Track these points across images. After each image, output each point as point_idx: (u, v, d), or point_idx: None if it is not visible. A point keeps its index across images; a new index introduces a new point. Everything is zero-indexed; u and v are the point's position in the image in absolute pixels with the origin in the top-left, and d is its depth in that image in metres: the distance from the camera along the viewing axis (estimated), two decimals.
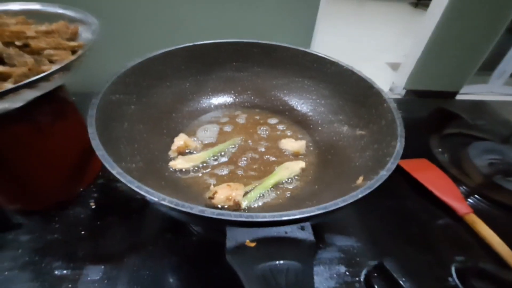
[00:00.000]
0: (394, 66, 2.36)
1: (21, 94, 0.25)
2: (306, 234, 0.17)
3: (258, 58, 0.42)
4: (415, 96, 2.05)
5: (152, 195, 0.18)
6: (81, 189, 0.38)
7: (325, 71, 0.39)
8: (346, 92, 0.37)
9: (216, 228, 0.27)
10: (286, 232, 0.16)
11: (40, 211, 0.36)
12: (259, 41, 0.41)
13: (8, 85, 0.27)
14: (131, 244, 0.32)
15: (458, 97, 2.15)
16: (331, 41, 2.65)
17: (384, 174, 0.21)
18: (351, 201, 0.18)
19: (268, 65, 0.42)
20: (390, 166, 0.22)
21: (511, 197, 0.41)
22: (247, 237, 0.17)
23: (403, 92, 2.07)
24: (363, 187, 0.20)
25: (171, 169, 0.32)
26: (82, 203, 0.37)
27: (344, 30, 2.98)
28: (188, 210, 0.17)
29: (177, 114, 0.39)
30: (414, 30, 2.03)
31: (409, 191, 0.42)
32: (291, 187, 0.32)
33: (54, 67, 0.29)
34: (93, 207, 0.36)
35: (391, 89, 2.14)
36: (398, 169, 0.46)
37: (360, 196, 0.19)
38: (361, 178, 0.26)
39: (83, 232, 0.34)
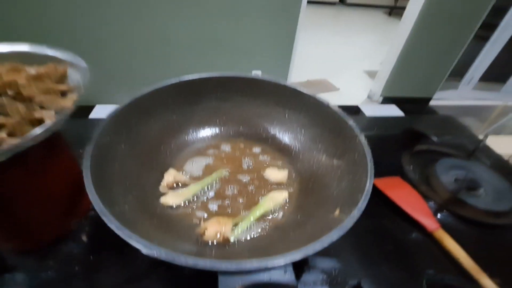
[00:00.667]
0: (372, 74, 2.47)
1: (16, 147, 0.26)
2: (288, 276, 0.20)
3: (241, 89, 0.44)
4: (391, 103, 2.16)
5: (149, 249, 0.20)
6: (74, 224, 0.39)
7: (304, 102, 0.42)
8: (323, 122, 0.40)
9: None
10: (270, 278, 0.19)
11: (33, 250, 0.36)
12: (242, 75, 0.43)
13: (3, 134, 0.28)
14: (125, 278, 0.33)
15: (432, 102, 2.27)
16: (311, 50, 2.73)
17: (355, 214, 0.24)
18: (327, 243, 0.21)
19: (251, 95, 0.45)
20: (361, 205, 0.25)
21: (474, 212, 0.45)
22: (237, 283, 0.19)
23: (381, 99, 2.16)
24: (337, 227, 0.23)
25: (162, 205, 0.34)
26: (75, 238, 0.37)
27: (323, 39, 3.08)
28: (183, 263, 0.19)
29: (165, 147, 0.40)
30: (389, 39, 2.14)
31: (384, 209, 0.46)
32: (275, 217, 0.34)
33: (46, 114, 0.31)
34: (86, 241, 0.37)
35: (369, 97, 2.23)
36: (373, 187, 0.49)
37: (335, 238, 0.22)
38: (337, 210, 0.29)
39: (76, 268, 0.34)
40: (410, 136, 0.63)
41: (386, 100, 2.18)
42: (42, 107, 0.31)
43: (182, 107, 0.43)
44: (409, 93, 2.20)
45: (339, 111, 0.37)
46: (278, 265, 0.19)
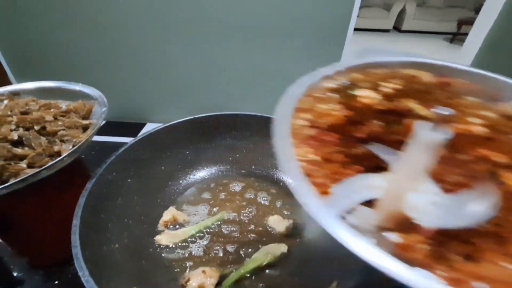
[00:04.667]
0: None
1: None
2: None
3: (257, 127, 0.43)
4: None
5: None
6: None
7: None
8: None
9: None
10: None
11: (44, 266, 0.39)
12: (257, 114, 0.42)
13: (23, 165, 0.31)
14: None
15: None
16: None
17: None
18: None
19: (266, 134, 0.43)
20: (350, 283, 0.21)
21: None
22: None
23: None
24: None
25: (155, 244, 0.33)
26: None
27: None
28: None
29: (174, 182, 0.41)
30: None
31: None
32: (270, 274, 0.31)
33: (64, 147, 0.33)
34: None
35: None
36: None
37: None
38: (334, 284, 0.25)
39: None
40: None
41: None
42: (62, 141, 0.34)
43: (196, 144, 0.43)
44: None
45: None
46: None
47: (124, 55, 0.88)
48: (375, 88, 0.21)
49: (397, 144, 0.19)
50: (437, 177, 0.18)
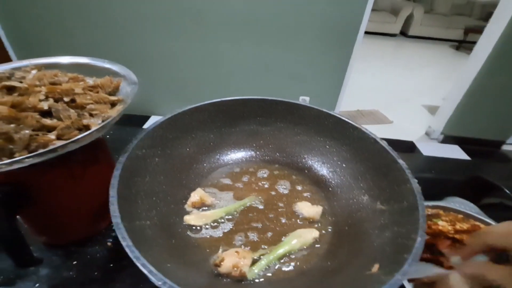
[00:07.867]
0: (432, 110, 2.26)
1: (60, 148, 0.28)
2: None
3: (282, 114, 0.43)
4: (454, 143, 1.93)
5: (155, 277, 0.18)
6: (103, 227, 0.40)
7: (347, 134, 0.38)
8: (368, 159, 0.36)
9: None
10: None
11: (62, 246, 0.38)
12: (284, 100, 0.42)
13: (52, 136, 0.30)
14: None
15: (505, 147, 1.98)
16: (365, 80, 2.63)
17: (398, 279, 0.20)
18: None
19: (291, 121, 0.43)
20: (407, 268, 0.20)
21: None
22: None
23: (441, 137, 1.96)
24: None
25: (184, 224, 0.32)
26: (101, 242, 0.38)
27: (380, 70, 2.96)
28: None
29: (198, 165, 0.40)
30: (455, 73, 1.95)
31: None
32: (301, 259, 0.30)
33: (93, 121, 0.32)
34: (110, 247, 0.38)
35: (427, 133, 2.03)
36: None
37: None
38: (376, 266, 0.24)
39: (96, 273, 0.35)
40: (476, 185, 0.53)
41: (448, 139, 1.96)
42: (91, 115, 0.33)
43: (221, 128, 0.42)
44: (475, 133, 1.95)
45: (388, 148, 0.33)
46: None
47: (128, 50, 0.87)
48: (451, 222, 0.33)
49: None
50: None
